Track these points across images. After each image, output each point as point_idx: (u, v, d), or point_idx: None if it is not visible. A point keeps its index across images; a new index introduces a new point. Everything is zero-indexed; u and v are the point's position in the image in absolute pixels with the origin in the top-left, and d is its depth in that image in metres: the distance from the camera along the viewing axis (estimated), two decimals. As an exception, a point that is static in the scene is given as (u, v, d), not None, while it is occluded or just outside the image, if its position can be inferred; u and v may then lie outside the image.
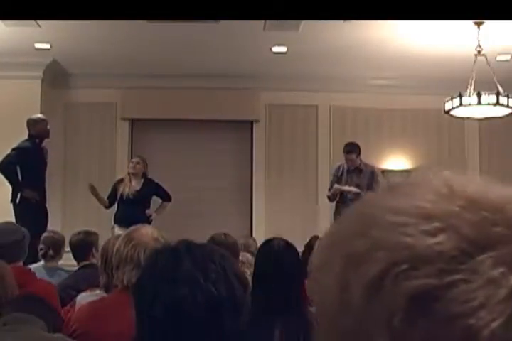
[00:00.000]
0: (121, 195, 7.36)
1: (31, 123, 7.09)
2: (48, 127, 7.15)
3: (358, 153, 7.19)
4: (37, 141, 7.07)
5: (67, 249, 4.74)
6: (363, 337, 0.45)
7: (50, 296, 3.05)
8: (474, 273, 0.43)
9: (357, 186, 7.03)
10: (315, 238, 5.13)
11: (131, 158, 8.34)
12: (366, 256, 0.46)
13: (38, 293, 2.65)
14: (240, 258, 4.20)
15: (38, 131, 7.05)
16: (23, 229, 3.80)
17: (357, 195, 6.89)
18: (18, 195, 6.92)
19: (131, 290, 1.42)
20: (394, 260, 0.44)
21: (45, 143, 7.25)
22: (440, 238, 0.44)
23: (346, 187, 7.11)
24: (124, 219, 6.84)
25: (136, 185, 7.42)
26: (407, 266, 0.44)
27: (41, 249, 4.86)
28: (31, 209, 6.80)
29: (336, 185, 7.18)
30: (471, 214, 0.46)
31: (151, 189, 7.51)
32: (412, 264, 0.44)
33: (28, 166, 6.93)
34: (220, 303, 1.34)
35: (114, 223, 7.28)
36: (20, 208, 6.89)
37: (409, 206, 0.47)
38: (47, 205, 7.25)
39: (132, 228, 2.54)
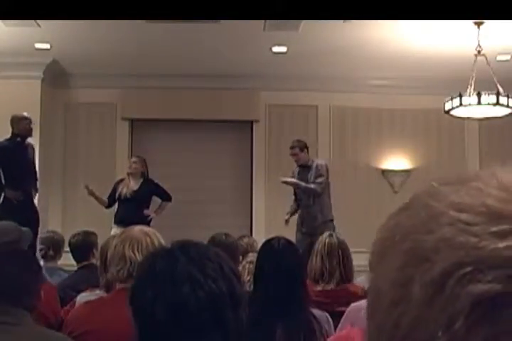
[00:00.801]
0: (120, 195, 7.35)
1: (15, 121, 6.96)
2: (32, 125, 7.01)
3: (302, 149, 7.29)
4: (19, 139, 6.94)
5: (67, 249, 4.74)
6: (419, 335, 0.42)
7: (49, 296, 3.05)
8: None
9: (306, 182, 7.14)
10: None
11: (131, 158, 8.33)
12: (430, 253, 0.43)
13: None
14: (249, 258, 4.17)
15: (20, 129, 6.93)
16: (24, 229, 3.79)
17: (296, 187, 7.17)
18: (2, 195, 6.78)
19: (129, 293, 1.42)
20: (458, 260, 0.42)
21: (31, 140, 7.10)
22: (509, 242, 0.41)
23: (284, 178, 7.30)
24: (122, 219, 6.84)
25: (134, 184, 7.40)
26: (472, 268, 0.41)
27: (41, 249, 4.85)
28: (15, 209, 6.55)
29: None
30: None
31: (150, 189, 7.47)
32: (477, 267, 0.41)
33: (9, 165, 6.79)
34: (221, 299, 1.36)
35: (114, 223, 7.27)
36: (2, 208, 6.71)
37: (476, 203, 0.43)
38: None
39: (128, 227, 2.56)
